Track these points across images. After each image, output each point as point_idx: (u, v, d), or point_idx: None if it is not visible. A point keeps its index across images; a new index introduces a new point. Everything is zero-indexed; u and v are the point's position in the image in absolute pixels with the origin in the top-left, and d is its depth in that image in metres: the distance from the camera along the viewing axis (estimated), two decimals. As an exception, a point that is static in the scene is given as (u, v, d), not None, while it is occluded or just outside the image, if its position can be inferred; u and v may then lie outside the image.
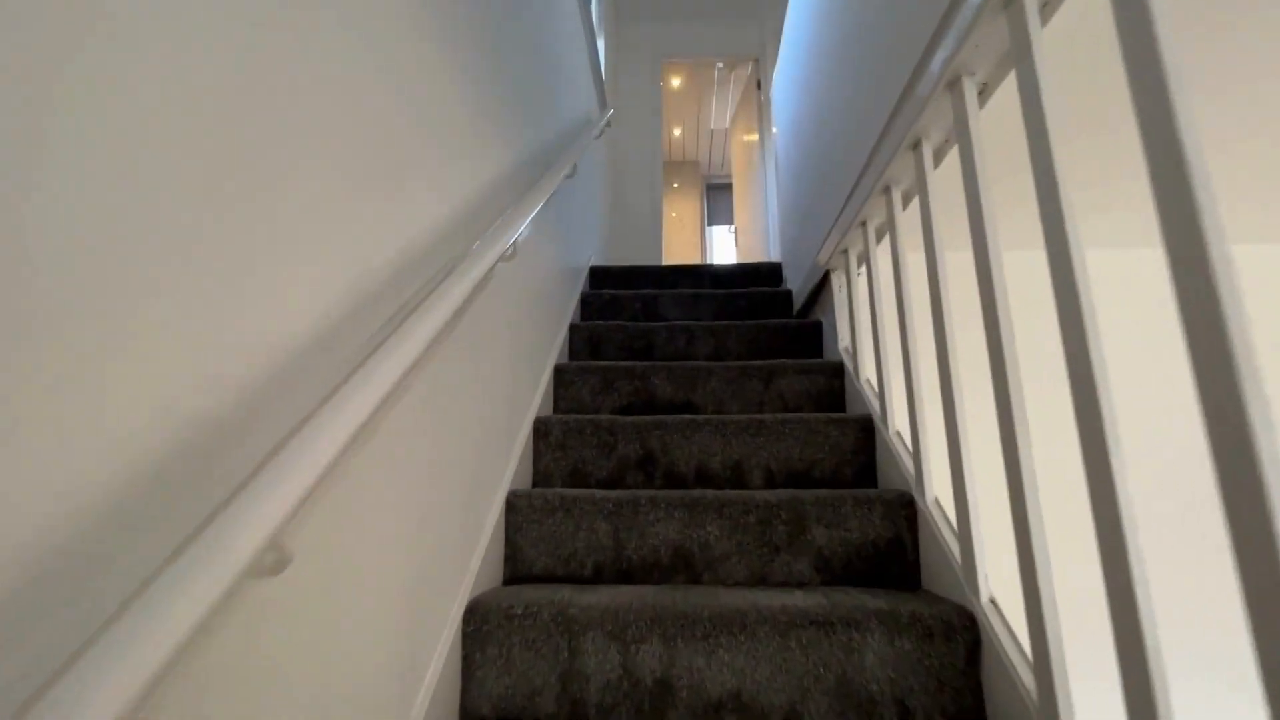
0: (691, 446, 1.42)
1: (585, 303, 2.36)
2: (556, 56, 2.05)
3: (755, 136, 4.27)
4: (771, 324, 2.03)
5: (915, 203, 1.28)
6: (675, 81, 5.32)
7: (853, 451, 1.38)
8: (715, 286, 2.59)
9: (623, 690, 0.90)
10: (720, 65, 5.14)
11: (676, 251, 5.94)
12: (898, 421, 1.34)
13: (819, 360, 1.79)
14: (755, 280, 2.61)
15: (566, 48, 2.22)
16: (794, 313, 2.28)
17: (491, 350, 1.24)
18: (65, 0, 0.35)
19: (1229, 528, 0.45)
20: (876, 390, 1.43)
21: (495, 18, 1.30)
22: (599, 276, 2.64)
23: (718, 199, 6.39)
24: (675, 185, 6.20)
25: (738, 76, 5.26)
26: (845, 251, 1.73)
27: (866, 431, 1.39)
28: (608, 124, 3.28)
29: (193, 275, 0.43)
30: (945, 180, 1.15)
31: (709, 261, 6.04)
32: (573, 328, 2.11)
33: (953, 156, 1.08)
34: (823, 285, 1.98)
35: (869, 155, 1.34)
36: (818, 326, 2.02)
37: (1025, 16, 0.73)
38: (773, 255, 3.89)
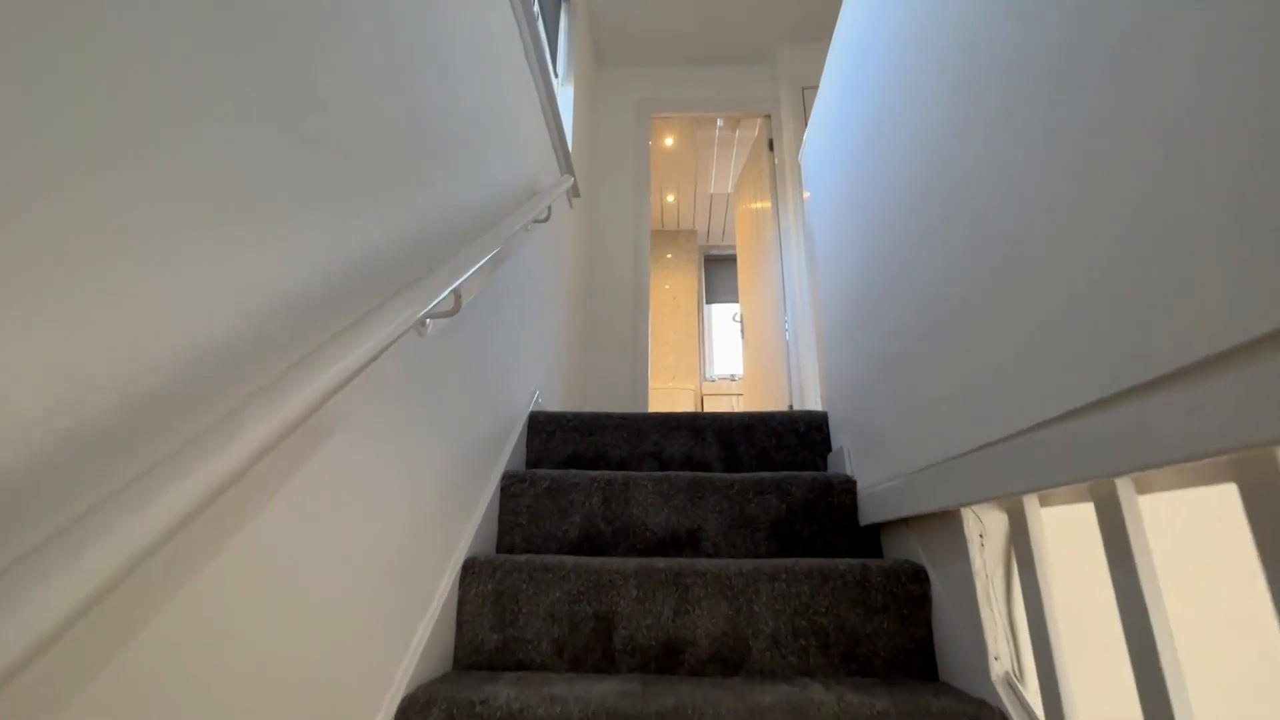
0: None
1: (508, 493, 1.41)
2: (469, 109, 1.18)
3: (767, 204, 3.42)
4: (838, 569, 1.08)
5: None
6: (668, 140, 4.55)
7: None
8: (725, 455, 1.65)
9: None
10: (721, 123, 4.38)
11: (667, 337, 5.04)
12: None
13: (958, 703, 0.83)
14: (785, 445, 1.67)
15: (495, 99, 1.35)
16: (858, 522, 1.34)
17: None
18: None
19: None
20: None
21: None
22: (542, 432, 1.70)
23: (718, 273, 5.56)
24: (669, 256, 5.38)
25: (744, 136, 4.50)
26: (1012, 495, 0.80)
27: None
28: (575, 194, 2.41)
29: None
30: None
31: (707, 350, 5.14)
32: (468, 570, 1.15)
33: None
34: (935, 528, 1.04)
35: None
36: (921, 585, 1.07)
37: None
38: (793, 358, 2.97)
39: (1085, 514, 0.68)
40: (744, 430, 1.68)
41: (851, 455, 1.46)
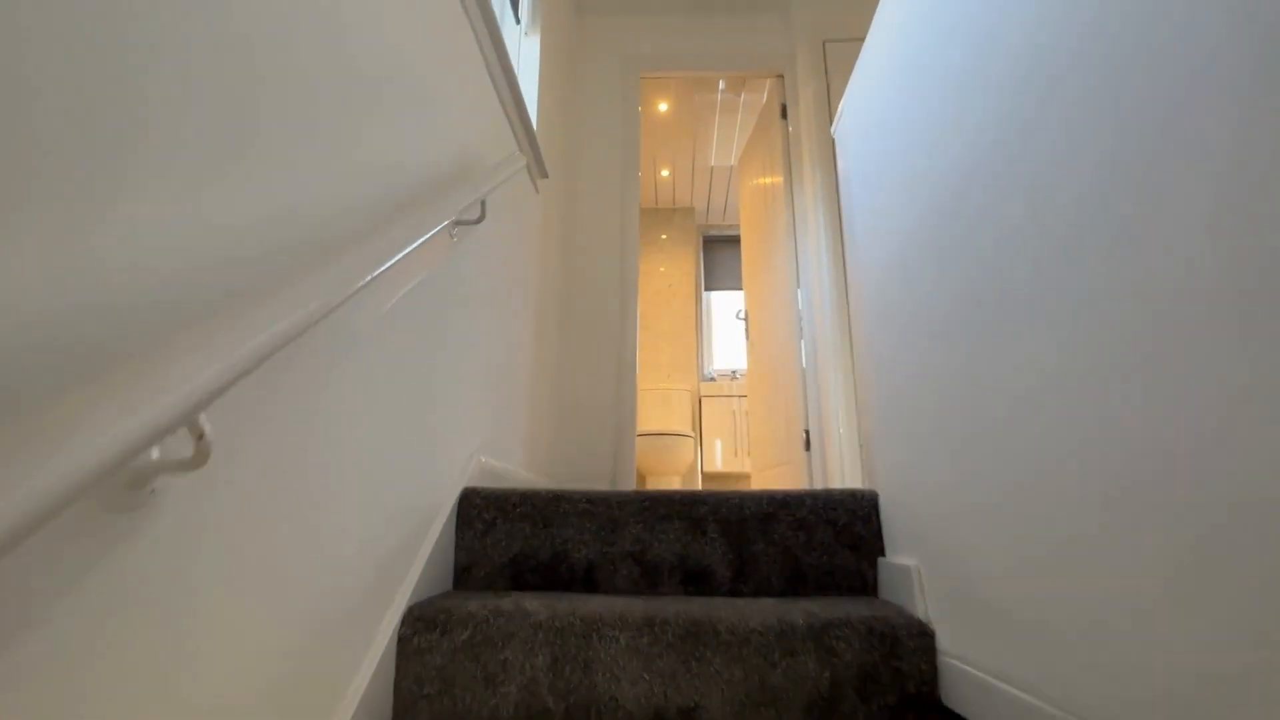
0: None
1: (409, 648, 0.94)
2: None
3: (778, 180, 2.90)
4: None
5: None
6: (661, 105, 3.98)
7: None
8: (735, 559, 1.16)
9: None
10: (724, 85, 3.80)
11: (661, 329, 4.53)
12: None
13: None
14: (818, 542, 1.17)
15: (395, 38, 0.81)
16: (939, 701, 0.87)
17: None
18: None
19: None
20: None
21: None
22: (479, 521, 1.22)
23: (719, 256, 5.02)
24: (663, 238, 4.84)
25: (750, 101, 3.93)
26: None
27: None
28: (540, 174, 1.89)
29: None
30: None
31: (706, 344, 4.64)
32: None
33: None
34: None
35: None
36: None
37: None
38: (810, 365, 2.49)
39: None
40: (760, 522, 1.19)
41: (924, 582, 0.98)
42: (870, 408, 1.28)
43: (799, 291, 2.64)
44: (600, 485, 2.39)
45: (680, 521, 1.20)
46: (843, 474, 2.23)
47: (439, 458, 1.16)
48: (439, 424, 1.16)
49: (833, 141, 2.59)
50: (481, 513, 1.22)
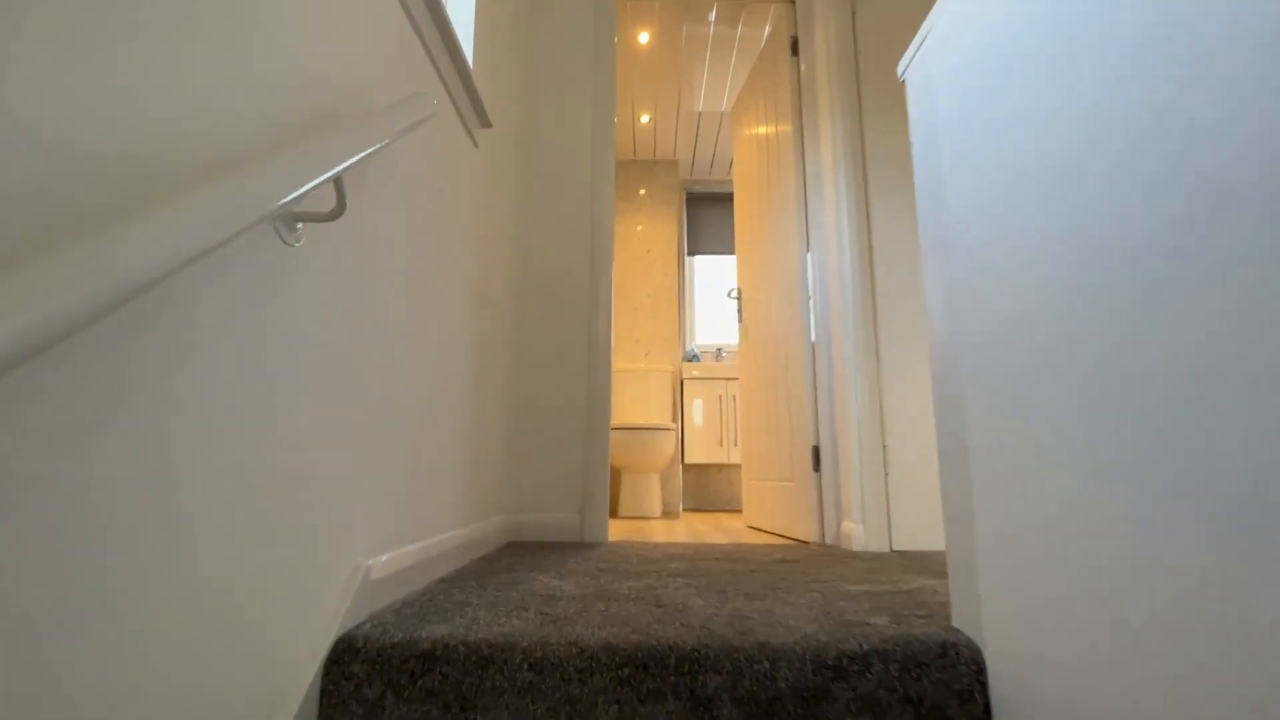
0: None
1: None
2: None
3: (784, 128, 2.38)
4: None
5: None
6: (642, 37, 3.36)
7: None
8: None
9: None
10: (714, 15, 3.20)
11: (639, 300, 4.04)
12: None
13: None
14: None
15: None
16: None
17: None
18: None
19: None
20: None
21: None
22: (361, 700, 0.76)
23: (706, 216, 4.48)
24: (642, 193, 4.27)
25: (750, 35, 3.33)
26: None
27: None
28: (480, 122, 1.37)
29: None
30: None
31: (689, 317, 4.17)
32: None
33: None
34: None
35: None
36: None
37: None
38: (821, 370, 2.05)
39: None
40: (803, 703, 0.76)
41: None
42: (960, 490, 0.84)
43: (809, 273, 2.17)
44: (566, 520, 1.95)
45: (678, 702, 0.76)
46: (863, 506, 1.83)
47: (282, 604, 0.69)
48: (278, 542, 0.68)
49: (901, 85, 2.08)
50: (362, 689, 0.76)
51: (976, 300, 0.81)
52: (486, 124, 1.46)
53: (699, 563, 1.45)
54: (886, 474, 1.85)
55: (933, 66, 0.95)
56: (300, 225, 0.70)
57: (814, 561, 1.52)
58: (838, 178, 2.02)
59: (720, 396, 3.64)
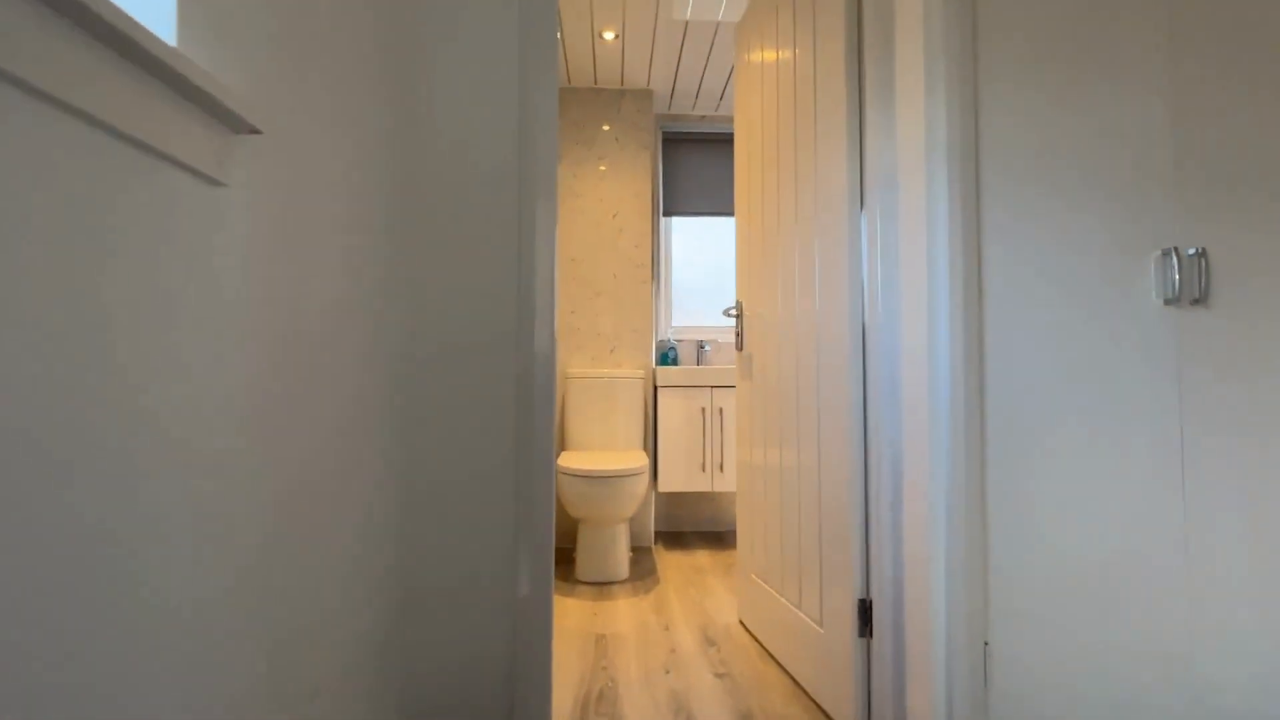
0: None
1: None
2: None
3: (834, 46, 1.51)
4: None
5: None
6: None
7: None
8: None
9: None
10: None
11: (601, 283, 3.14)
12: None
13: None
14: None
15: None
16: None
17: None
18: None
19: None
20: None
21: None
22: None
23: (690, 165, 3.53)
24: (605, 129, 3.29)
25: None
26: None
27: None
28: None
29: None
30: None
31: (664, 300, 3.31)
32: None
33: None
34: None
35: None
36: None
37: None
38: (887, 451, 1.30)
39: None
40: None
41: None
42: None
43: (865, 275, 1.36)
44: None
45: None
46: (950, 715, 1.12)
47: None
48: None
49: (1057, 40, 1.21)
50: None
51: None
52: (247, 129, 0.58)
53: None
54: (987, 683, 1.13)
55: None
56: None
57: None
58: (929, 166, 1.18)
59: (704, 409, 2.87)
